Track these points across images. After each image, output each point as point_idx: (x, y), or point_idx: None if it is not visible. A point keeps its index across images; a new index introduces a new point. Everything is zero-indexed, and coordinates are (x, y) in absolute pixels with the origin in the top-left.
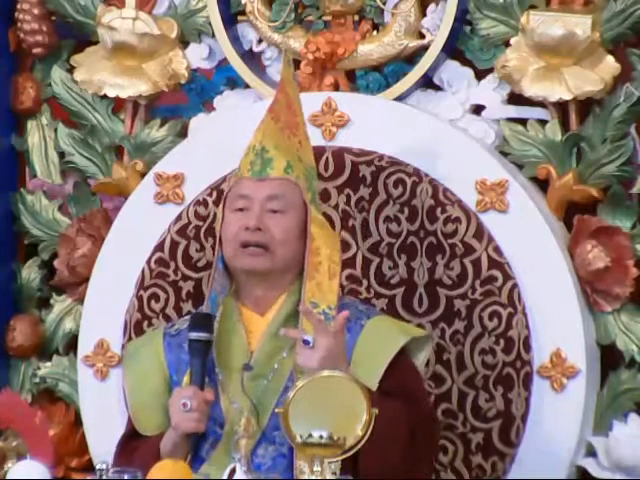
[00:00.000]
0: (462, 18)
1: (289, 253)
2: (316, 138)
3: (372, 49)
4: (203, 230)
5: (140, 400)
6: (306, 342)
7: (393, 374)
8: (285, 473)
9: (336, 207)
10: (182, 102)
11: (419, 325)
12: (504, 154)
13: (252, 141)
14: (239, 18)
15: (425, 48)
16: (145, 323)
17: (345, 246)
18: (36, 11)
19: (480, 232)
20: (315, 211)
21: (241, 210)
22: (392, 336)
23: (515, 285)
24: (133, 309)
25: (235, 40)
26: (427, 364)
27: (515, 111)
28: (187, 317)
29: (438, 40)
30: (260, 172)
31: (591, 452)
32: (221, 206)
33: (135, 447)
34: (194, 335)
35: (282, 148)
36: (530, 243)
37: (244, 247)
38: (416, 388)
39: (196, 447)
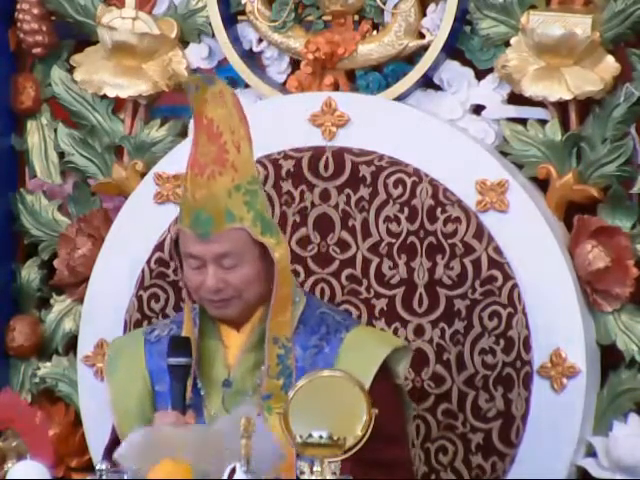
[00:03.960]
0: (462, 18)
1: (257, 293)
2: (316, 138)
3: (372, 49)
4: None
5: (123, 411)
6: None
7: (373, 398)
8: None
9: (336, 207)
10: (182, 102)
11: (419, 325)
12: (504, 154)
13: (185, 192)
14: (239, 18)
15: (425, 48)
16: (145, 323)
17: (345, 246)
18: (36, 11)
19: (480, 232)
20: (270, 238)
21: (196, 268)
22: (373, 350)
23: (515, 285)
24: (133, 309)
25: (235, 40)
26: (427, 364)
27: (515, 111)
28: (166, 321)
29: (438, 40)
30: (203, 235)
31: (591, 452)
32: (173, 247)
33: None
34: (173, 361)
35: (216, 199)
36: (530, 243)
37: (209, 301)
38: (394, 427)
39: None
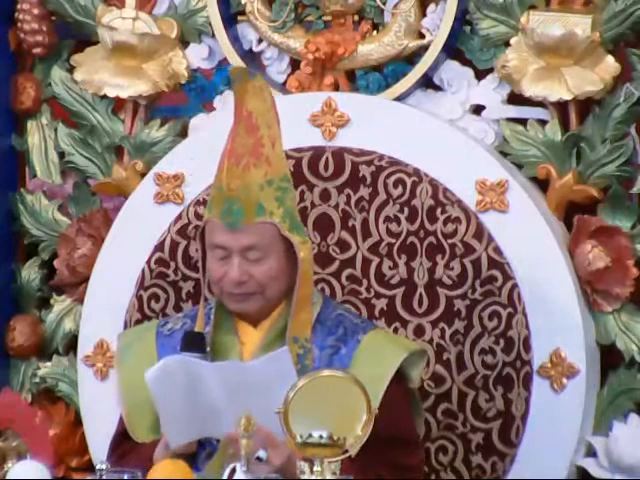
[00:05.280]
0: (462, 18)
1: (279, 290)
2: (316, 138)
3: (372, 49)
4: None
5: (133, 403)
6: (259, 459)
7: (387, 405)
8: None
9: (336, 207)
10: (182, 102)
11: (419, 325)
12: (504, 154)
13: (218, 182)
14: (239, 18)
15: (425, 48)
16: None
17: (345, 246)
18: (36, 11)
19: (480, 232)
20: (297, 236)
21: (221, 259)
22: (389, 354)
23: (515, 285)
24: (133, 309)
25: (235, 40)
26: (427, 364)
27: (515, 111)
28: (180, 315)
29: (438, 40)
30: (232, 224)
31: (591, 452)
32: (199, 238)
33: (125, 451)
34: (186, 355)
35: (249, 191)
36: (530, 243)
37: (230, 294)
38: (408, 431)
39: (193, 456)
